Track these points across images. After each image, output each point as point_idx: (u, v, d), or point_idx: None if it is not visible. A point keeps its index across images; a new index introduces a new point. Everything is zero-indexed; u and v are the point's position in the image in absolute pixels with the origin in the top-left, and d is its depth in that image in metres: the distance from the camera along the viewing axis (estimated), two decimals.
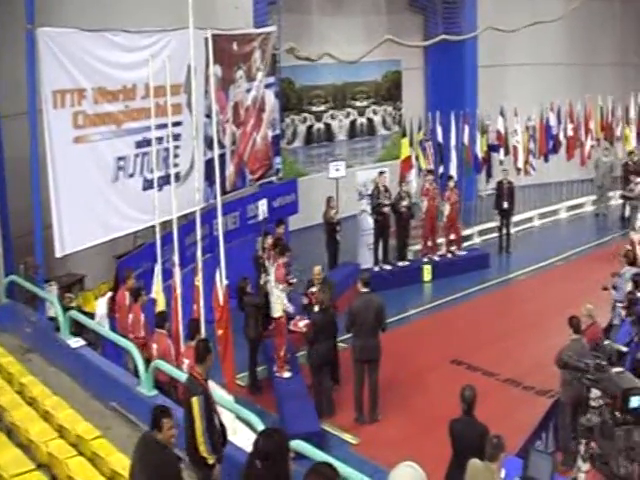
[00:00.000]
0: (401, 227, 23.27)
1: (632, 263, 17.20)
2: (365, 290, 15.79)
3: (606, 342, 14.18)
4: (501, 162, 27.70)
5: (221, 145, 20.10)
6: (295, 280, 17.40)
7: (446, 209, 24.10)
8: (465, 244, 25.95)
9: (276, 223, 20.68)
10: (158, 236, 15.82)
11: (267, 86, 23.49)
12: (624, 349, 13.93)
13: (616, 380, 11.77)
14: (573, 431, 13.20)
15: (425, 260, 23.89)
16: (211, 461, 9.49)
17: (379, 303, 15.59)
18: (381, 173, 23.07)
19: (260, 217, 21.19)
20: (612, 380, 11.94)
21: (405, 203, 22.81)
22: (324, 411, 15.62)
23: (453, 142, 26.66)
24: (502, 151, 28.02)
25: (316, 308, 16.26)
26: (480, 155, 27.40)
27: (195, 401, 9.47)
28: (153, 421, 8.63)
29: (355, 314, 15.56)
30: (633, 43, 35.67)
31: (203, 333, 14.44)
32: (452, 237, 24.53)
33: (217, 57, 17.79)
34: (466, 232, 26.48)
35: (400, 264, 23.47)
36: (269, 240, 18.83)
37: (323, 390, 15.90)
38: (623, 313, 15.67)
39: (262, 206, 21.06)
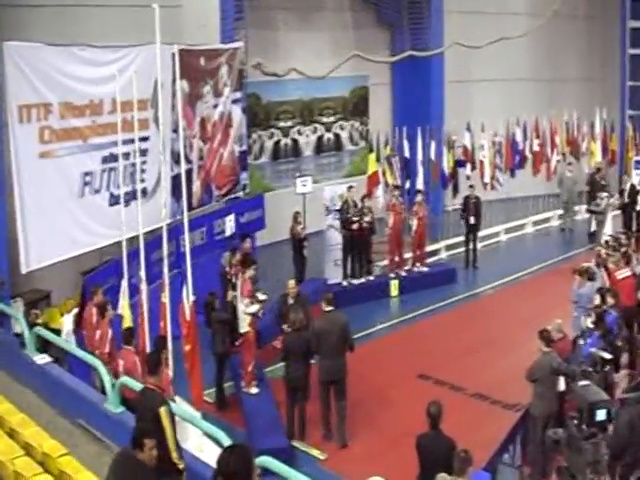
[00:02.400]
0: (363, 242, 23.29)
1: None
2: (329, 309, 15.60)
3: (592, 350, 14.28)
4: (468, 177, 27.83)
5: (188, 160, 20.08)
6: (265, 297, 17.22)
7: (414, 224, 24.14)
8: (432, 259, 26.05)
9: (241, 238, 20.63)
10: (125, 252, 15.76)
11: (234, 101, 23.49)
12: (608, 356, 14.03)
13: (582, 393, 11.87)
14: (542, 444, 13.28)
15: (392, 275, 23.92)
16: (182, 466, 9.59)
17: (343, 321, 15.45)
18: (350, 188, 23.12)
19: (227, 233, 21.13)
20: (578, 393, 12.04)
21: (367, 219, 22.81)
22: (295, 434, 15.42)
23: (420, 157, 26.86)
24: (469, 166, 28.17)
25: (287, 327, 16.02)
26: (447, 170, 27.57)
27: (163, 411, 9.58)
28: (134, 441, 8.58)
29: (319, 334, 15.36)
30: (598, 59, 36.00)
31: (170, 349, 14.41)
32: (419, 252, 24.59)
33: (184, 72, 17.75)
34: (433, 247, 26.57)
35: (366, 279, 23.49)
36: (237, 256, 18.79)
37: (295, 414, 15.57)
38: (584, 322, 15.78)
39: (229, 222, 21.03)
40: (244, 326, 16.35)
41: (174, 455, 9.56)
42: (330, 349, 15.25)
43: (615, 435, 11.77)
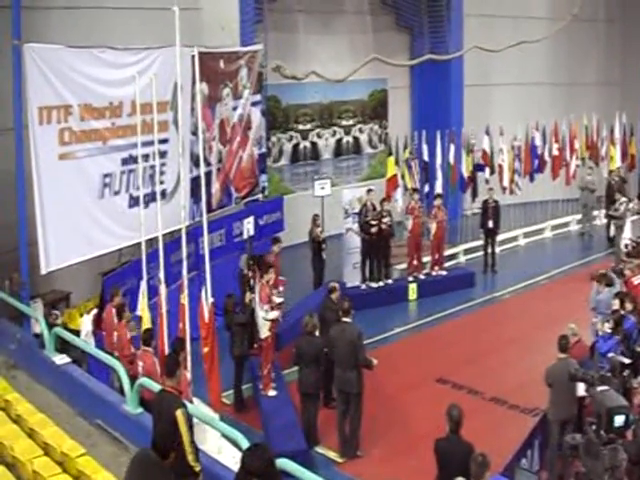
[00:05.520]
0: (382, 245, 23.30)
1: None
2: (344, 319, 15.36)
3: (611, 354, 14.25)
4: (487, 181, 27.77)
5: (207, 163, 20.08)
6: (281, 300, 17.24)
7: (433, 227, 24.12)
8: (450, 263, 26.02)
9: (272, 241, 20.88)
10: (144, 253, 15.79)
11: (253, 104, 23.53)
12: (627, 361, 14.00)
13: (600, 399, 11.82)
14: (559, 449, 13.25)
15: (410, 279, 23.90)
16: (198, 468, 9.59)
17: (354, 335, 14.99)
18: (369, 191, 23.08)
19: (246, 235, 21.12)
20: (597, 399, 12.00)
21: (386, 221, 22.82)
22: (309, 440, 15.16)
23: (439, 161, 26.83)
24: (488, 170, 28.11)
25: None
26: (465, 174, 27.52)
27: (180, 414, 9.55)
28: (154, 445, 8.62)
29: (331, 341, 15.26)
30: (617, 63, 35.92)
31: (189, 351, 14.44)
32: (437, 256, 24.56)
33: (204, 75, 17.83)
34: (451, 251, 26.54)
35: (384, 282, 23.45)
36: (271, 257, 19.15)
37: (307, 420, 15.44)
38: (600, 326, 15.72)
39: (248, 224, 21.01)
40: (264, 331, 16.36)
41: (190, 458, 9.56)
42: (340, 360, 15.08)
43: (635, 441, 11.74)
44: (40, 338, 14.60)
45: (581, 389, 13.67)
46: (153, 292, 15.97)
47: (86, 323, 16.07)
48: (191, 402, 12.58)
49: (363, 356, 15.05)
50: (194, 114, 18.35)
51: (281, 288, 17.88)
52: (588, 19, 33.22)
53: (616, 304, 15.94)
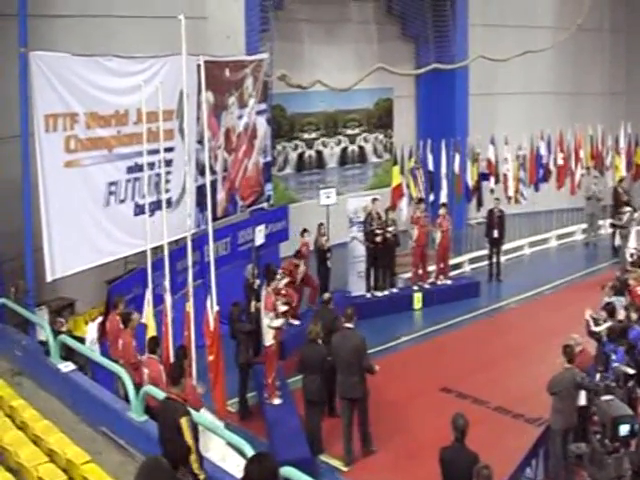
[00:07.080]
0: (387, 254, 23.30)
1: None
2: (347, 325, 15.47)
3: (615, 364, 14.22)
4: (492, 190, 27.78)
5: (213, 171, 20.07)
6: (286, 308, 17.26)
7: (438, 236, 24.13)
8: (455, 272, 26.00)
9: (301, 232, 22.09)
10: (149, 261, 15.81)
11: (259, 113, 23.53)
12: (631, 371, 13.98)
13: (605, 408, 11.83)
14: (564, 459, 13.24)
15: (415, 288, 23.89)
16: (202, 476, 9.58)
17: (358, 342, 15.13)
18: (374, 200, 23.11)
19: (258, 242, 21.08)
20: (601, 408, 12.00)
21: (391, 230, 22.83)
22: (313, 448, 15.12)
23: (444, 170, 26.85)
24: (493, 180, 28.12)
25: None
26: (471, 183, 27.53)
27: (184, 421, 9.55)
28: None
29: (334, 348, 15.30)
30: (622, 72, 35.98)
31: (194, 359, 14.44)
32: (442, 265, 24.55)
33: (209, 83, 17.82)
34: (456, 260, 26.53)
35: (389, 291, 23.47)
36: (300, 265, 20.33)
37: (311, 428, 15.45)
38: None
39: (260, 232, 20.97)
40: (268, 339, 16.38)
41: (195, 466, 9.56)
42: (344, 366, 15.12)
43: (638, 450, 11.73)
44: (45, 345, 14.61)
45: (582, 399, 13.68)
46: (158, 300, 15.98)
47: (91, 331, 16.07)
48: (198, 410, 12.53)
49: (367, 361, 15.15)
50: (200, 122, 18.37)
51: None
52: (593, 29, 33.34)
53: (622, 314, 15.93)
